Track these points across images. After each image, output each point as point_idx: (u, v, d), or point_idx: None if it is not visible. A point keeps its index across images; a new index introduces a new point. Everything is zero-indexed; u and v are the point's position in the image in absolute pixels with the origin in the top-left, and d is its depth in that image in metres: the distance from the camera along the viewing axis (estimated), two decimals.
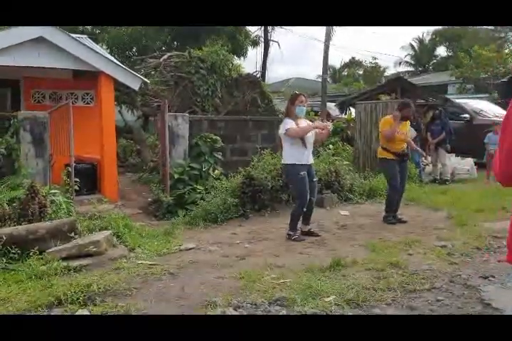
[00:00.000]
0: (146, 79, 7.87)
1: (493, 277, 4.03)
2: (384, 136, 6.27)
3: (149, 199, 7.80)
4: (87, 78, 8.26)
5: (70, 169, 6.54)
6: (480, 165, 10.78)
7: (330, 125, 5.62)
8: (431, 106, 11.33)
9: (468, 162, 10.84)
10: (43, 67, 7.19)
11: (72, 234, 4.71)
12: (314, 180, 5.56)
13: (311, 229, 5.63)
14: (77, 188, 6.63)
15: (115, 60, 7.72)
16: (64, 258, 4.35)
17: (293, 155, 5.34)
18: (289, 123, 5.33)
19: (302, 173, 5.28)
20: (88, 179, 7.49)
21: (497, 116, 12.72)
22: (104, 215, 5.76)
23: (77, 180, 6.59)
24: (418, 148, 7.23)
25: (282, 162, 5.64)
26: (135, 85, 7.73)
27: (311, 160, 5.53)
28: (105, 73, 7.46)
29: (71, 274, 4.13)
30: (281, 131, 5.39)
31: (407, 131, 6.35)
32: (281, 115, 10.66)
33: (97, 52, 7.47)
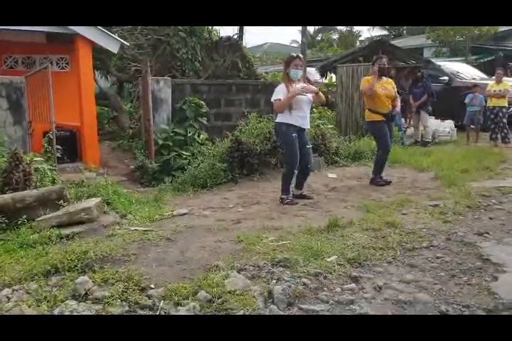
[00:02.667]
0: (125, 42, 7.53)
1: (488, 234, 4.09)
2: (365, 93, 6.20)
3: (132, 167, 7.64)
4: (61, 42, 7.86)
5: (51, 136, 6.29)
6: (459, 128, 10.91)
7: (313, 87, 5.51)
8: (412, 69, 11.26)
9: (449, 124, 10.94)
10: (15, 30, 6.78)
11: (61, 202, 4.58)
12: (308, 146, 5.49)
13: (303, 192, 5.61)
14: (59, 156, 6.41)
15: None
16: (55, 226, 4.22)
17: (286, 115, 5.23)
18: (277, 93, 5.23)
19: (293, 135, 5.19)
20: (68, 147, 7.24)
21: (474, 78, 12.80)
22: (90, 183, 5.61)
23: (59, 147, 6.36)
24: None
25: (275, 120, 5.51)
26: (114, 48, 7.41)
27: (306, 124, 5.42)
28: (82, 36, 7.11)
29: (64, 242, 4.02)
30: (272, 99, 5.32)
31: (390, 87, 6.25)
32: (262, 79, 10.50)
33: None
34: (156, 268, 3.43)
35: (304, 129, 5.40)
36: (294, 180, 5.54)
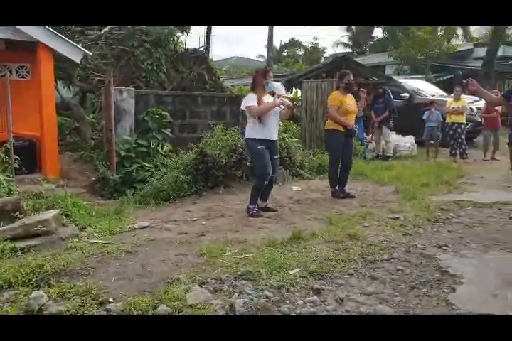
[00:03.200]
0: (88, 52, 7.42)
1: (447, 246, 4.18)
2: (331, 117, 6.31)
3: (93, 179, 7.48)
4: (22, 50, 7.68)
5: (8, 146, 6.09)
6: (420, 143, 11.21)
7: (282, 102, 5.57)
8: (374, 85, 11.55)
9: (409, 139, 11.23)
10: None
11: (17, 214, 4.42)
12: (275, 157, 5.51)
13: (267, 204, 5.61)
14: (17, 166, 6.21)
15: (54, 31, 7.20)
16: (9, 239, 4.07)
17: (254, 129, 5.27)
18: (251, 100, 5.24)
19: (261, 147, 5.22)
20: (27, 157, 7.02)
21: (434, 95, 13.23)
22: (49, 194, 5.45)
23: (17, 157, 6.16)
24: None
25: (245, 136, 5.52)
26: (77, 58, 7.27)
27: (274, 136, 5.46)
28: (44, 44, 6.95)
29: (19, 256, 3.87)
30: (243, 106, 5.30)
31: (353, 103, 6.41)
32: (228, 92, 10.52)
33: None
34: (116, 282, 3.34)
35: (274, 141, 5.44)
36: None
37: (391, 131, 10.83)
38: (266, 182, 5.35)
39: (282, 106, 5.37)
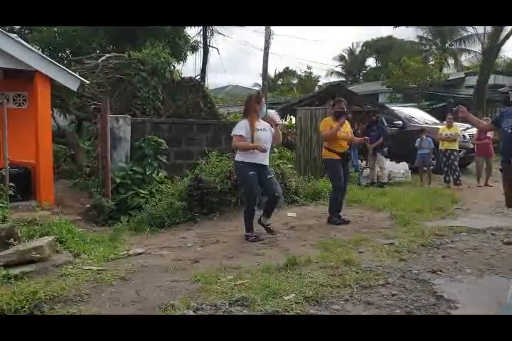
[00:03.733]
0: (85, 80, 7.54)
1: (441, 271, 4.19)
2: (325, 137, 6.39)
3: (87, 206, 7.47)
4: (19, 78, 7.81)
5: (3, 173, 6.11)
6: (413, 170, 11.31)
7: (265, 148, 5.55)
8: (368, 113, 11.72)
9: (403, 166, 11.32)
10: None
11: (11, 241, 4.40)
12: (269, 176, 5.51)
13: (269, 224, 5.62)
14: (12, 193, 6.21)
15: (51, 60, 7.34)
16: (3, 266, 4.04)
17: (245, 153, 5.31)
18: (240, 128, 5.32)
19: (251, 173, 5.25)
20: (22, 184, 7.02)
21: (427, 123, 13.42)
22: (44, 221, 5.43)
23: (12, 184, 6.18)
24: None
25: (236, 159, 5.55)
26: (74, 86, 7.39)
27: (265, 161, 5.51)
28: (41, 73, 7.06)
29: (12, 282, 3.84)
30: (232, 133, 5.37)
31: (348, 130, 6.50)
32: (224, 119, 10.65)
33: (33, 50, 7.07)
34: (110, 308, 3.32)
35: (266, 165, 5.48)
36: (261, 210, 5.69)
37: (386, 157, 10.93)
38: (255, 208, 5.38)
39: (264, 148, 5.34)
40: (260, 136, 5.34)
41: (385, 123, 11.38)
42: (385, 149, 10.70)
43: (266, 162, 5.53)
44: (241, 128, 5.33)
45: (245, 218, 5.42)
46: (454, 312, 3.31)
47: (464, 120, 5.99)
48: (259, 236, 5.41)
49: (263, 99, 5.50)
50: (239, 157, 5.43)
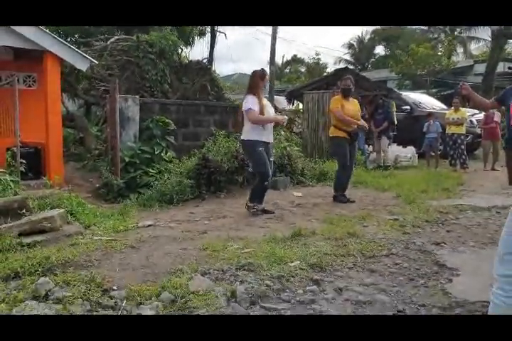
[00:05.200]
0: (94, 61, 7.61)
1: (445, 243, 4.26)
2: (334, 115, 6.38)
3: (97, 185, 7.59)
4: (29, 59, 7.89)
5: (15, 150, 6.22)
6: (421, 155, 11.33)
7: (286, 119, 5.74)
8: (375, 97, 11.70)
9: (410, 150, 11.34)
10: None
11: (24, 212, 4.51)
12: (271, 159, 5.61)
13: (264, 207, 5.68)
14: (23, 170, 6.33)
15: (61, 40, 7.41)
16: (16, 235, 4.15)
17: (253, 131, 5.36)
18: (253, 103, 5.30)
19: (260, 149, 5.31)
20: (33, 163, 7.17)
21: (435, 108, 13.39)
22: (54, 197, 5.54)
23: (23, 161, 6.29)
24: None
25: (241, 138, 5.60)
26: (83, 66, 7.47)
27: (271, 139, 5.57)
28: (51, 53, 7.14)
29: (25, 250, 3.95)
30: (244, 107, 5.34)
31: (355, 108, 6.49)
32: (231, 103, 10.69)
33: (43, 30, 7.13)
34: (120, 272, 3.41)
35: (269, 143, 5.55)
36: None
37: (390, 140, 10.94)
38: (266, 183, 5.43)
39: (285, 123, 5.60)
40: (269, 112, 5.43)
41: (395, 108, 11.35)
42: (392, 133, 10.72)
43: (271, 140, 5.61)
44: (253, 103, 5.29)
45: (253, 191, 5.49)
46: (455, 279, 3.39)
47: (467, 98, 5.98)
48: (260, 211, 5.49)
49: (267, 77, 5.54)
50: (247, 135, 5.43)
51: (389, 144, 10.88)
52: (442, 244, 4.24)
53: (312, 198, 6.79)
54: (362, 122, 6.58)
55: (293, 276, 3.36)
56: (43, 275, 3.30)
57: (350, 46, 39.23)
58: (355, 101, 6.54)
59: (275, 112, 5.71)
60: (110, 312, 2.80)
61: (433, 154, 10.83)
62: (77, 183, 7.86)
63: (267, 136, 5.44)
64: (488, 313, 1.97)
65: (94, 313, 2.77)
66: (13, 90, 6.71)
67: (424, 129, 10.87)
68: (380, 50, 39.89)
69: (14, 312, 2.74)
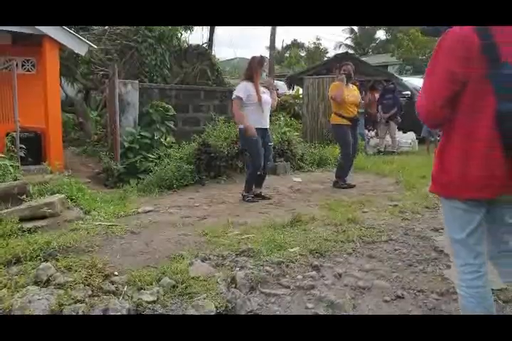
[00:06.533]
0: (93, 45, 7.54)
1: (443, 229, 4.27)
2: (334, 99, 6.36)
3: (96, 170, 7.59)
4: (27, 43, 7.81)
5: (14, 135, 6.20)
6: (421, 141, 11.31)
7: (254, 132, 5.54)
8: (375, 82, 11.64)
9: (410, 135, 11.32)
10: None
11: (24, 197, 4.52)
12: (270, 144, 5.60)
13: (261, 192, 5.69)
14: (23, 156, 6.32)
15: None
16: (17, 221, 4.16)
17: (251, 118, 5.34)
18: (242, 90, 5.29)
19: (255, 138, 5.29)
20: (33, 148, 7.15)
21: None
22: (54, 183, 5.55)
23: (23, 146, 6.28)
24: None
25: (238, 126, 5.60)
26: (82, 51, 7.40)
27: (266, 124, 5.55)
28: (50, 37, 7.06)
29: (26, 235, 3.96)
30: (233, 94, 5.37)
31: (355, 94, 6.47)
32: (231, 87, 10.60)
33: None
34: (120, 258, 3.43)
35: (267, 128, 5.53)
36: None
37: (399, 126, 10.92)
38: (259, 172, 5.44)
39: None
40: (264, 98, 5.38)
41: (398, 93, 11.30)
42: (399, 118, 10.68)
43: (267, 125, 5.59)
44: (240, 89, 5.32)
45: (247, 180, 5.52)
46: (453, 265, 3.40)
47: None
48: (255, 198, 5.52)
49: (265, 63, 5.50)
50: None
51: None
52: (441, 230, 4.25)
53: (312, 183, 6.80)
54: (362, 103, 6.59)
55: (292, 262, 3.38)
56: (44, 261, 3.32)
57: (351, 31, 38.83)
58: (355, 87, 6.52)
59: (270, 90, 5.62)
60: (111, 297, 2.82)
61: (433, 140, 10.80)
62: (77, 169, 7.88)
63: (262, 121, 5.41)
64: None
65: (96, 298, 2.79)
66: (12, 75, 6.65)
67: None
68: (381, 34, 39.52)
69: (16, 297, 2.76)
